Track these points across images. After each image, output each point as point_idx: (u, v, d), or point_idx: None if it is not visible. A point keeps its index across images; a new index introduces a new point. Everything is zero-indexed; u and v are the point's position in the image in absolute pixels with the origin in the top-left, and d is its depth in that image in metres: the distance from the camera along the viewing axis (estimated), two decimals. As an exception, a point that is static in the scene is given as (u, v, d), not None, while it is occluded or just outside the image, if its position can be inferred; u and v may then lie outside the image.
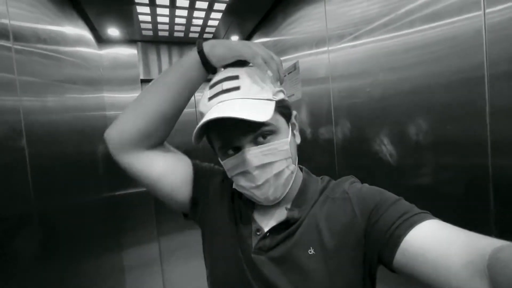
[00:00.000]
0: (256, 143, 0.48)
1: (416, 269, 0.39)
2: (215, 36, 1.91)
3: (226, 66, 0.52)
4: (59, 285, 0.94)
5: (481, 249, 0.33)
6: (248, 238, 0.54)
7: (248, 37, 1.96)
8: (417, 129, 0.77)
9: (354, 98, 1.00)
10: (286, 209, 0.53)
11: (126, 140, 0.54)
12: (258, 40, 1.84)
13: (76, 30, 1.39)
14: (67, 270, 1.02)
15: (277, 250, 0.51)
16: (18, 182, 0.78)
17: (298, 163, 0.56)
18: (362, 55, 0.95)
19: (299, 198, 0.54)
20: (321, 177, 0.59)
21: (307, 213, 0.52)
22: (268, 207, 0.55)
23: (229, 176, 0.53)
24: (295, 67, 1.37)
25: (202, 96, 0.52)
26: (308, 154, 1.28)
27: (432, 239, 0.39)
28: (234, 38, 1.95)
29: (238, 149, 0.49)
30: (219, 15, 1.60)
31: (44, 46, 1.01)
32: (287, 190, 0.52)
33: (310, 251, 0.48)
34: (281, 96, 0.52)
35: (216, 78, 0.51)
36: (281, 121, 0.51)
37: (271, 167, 0.48)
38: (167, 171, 0.57)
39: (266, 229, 0.53)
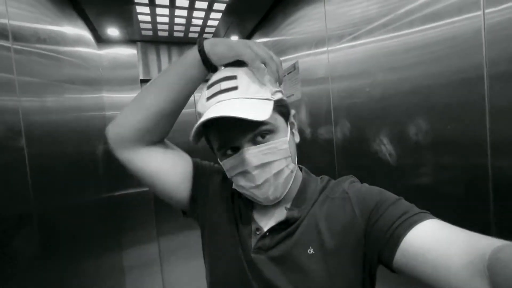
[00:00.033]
0: (255, 142, 0.48)
1: (416, 269, 0.39)
2: (215, 36, 1.90)
3: (226, 65, 0.52)
4: (59, 285, 0.93)
5: (481, 249, 0.33)
6: (248, 238, 0.54)
7: (247, 37, 1.96)
8: (416, 129, 0.77)
9: (354, 98, 1.00)
10: (286, 208, 0.53)
11: (125, 136, 0.54)
12: (258, 41, 1.83)
13: (75, 30, 1.39)
14: (67, 270, 1.01)
15: (277, 249, 0.51)
16: (18, 182, 0.78)
17: (298, 163, 0.56)
18: (362, 55, 0.95)
19: (299, 198, 0.54)
20: (320, 177, 0.59)
21: (307, 213, 0.52)
22: (267, 207, 0.55)
23: (229, 177, 0.53)
24: (294, 67, 1.37)
25: (200, 96, 0.52)
26: (308, 154, 1.28)
27: (432, 239, 0.39)
28: (234, 38, 1.95)
29: (237, 149, 0.49)
30: (218, 15, 1.60)
31: (44, 46, 1.01)
32: (287, 190, 0.52)
33: (310, 251, 0.48)
34: (279, 96, 0.51)
35: (214, 78, 0.51)
36: (280, 120, 0.51)
37: (271, 166, 0.48)
38: (166, 167, 0.57)
39: (265, 229, 0.53)
